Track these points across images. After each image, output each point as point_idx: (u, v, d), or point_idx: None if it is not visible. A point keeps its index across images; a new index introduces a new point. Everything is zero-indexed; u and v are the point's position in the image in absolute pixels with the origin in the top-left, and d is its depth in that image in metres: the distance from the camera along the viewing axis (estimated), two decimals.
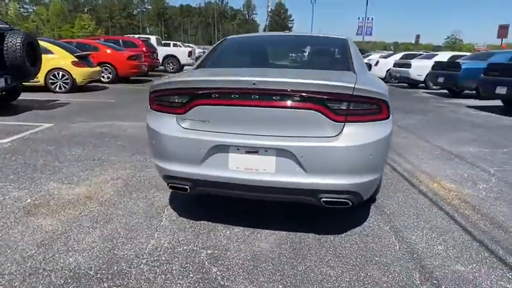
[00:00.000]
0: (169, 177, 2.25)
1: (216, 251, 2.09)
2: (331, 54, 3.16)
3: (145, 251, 2.06)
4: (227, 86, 2.05)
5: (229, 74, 2.28)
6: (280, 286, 1.80)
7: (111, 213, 2.53)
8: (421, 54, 14.14)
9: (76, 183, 3.08)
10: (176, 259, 2.00)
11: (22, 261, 1.93)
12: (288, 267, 1.96)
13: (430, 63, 11.18)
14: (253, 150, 2.02)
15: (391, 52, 17.81)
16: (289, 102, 1.97)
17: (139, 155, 3.87)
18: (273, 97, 1.97)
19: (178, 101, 2.16)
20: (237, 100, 2.01)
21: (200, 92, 2.06)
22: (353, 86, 1.91)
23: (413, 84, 12.32)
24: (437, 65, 10.54)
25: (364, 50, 22.66)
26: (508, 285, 1.84)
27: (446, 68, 10.01)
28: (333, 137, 1.97)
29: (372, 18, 32.12)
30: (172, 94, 2.18)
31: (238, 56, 3.17)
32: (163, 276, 1.85)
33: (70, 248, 2.06)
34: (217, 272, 1.89)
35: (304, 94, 1.95)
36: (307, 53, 3.39)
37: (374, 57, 16.91)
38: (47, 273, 1.84)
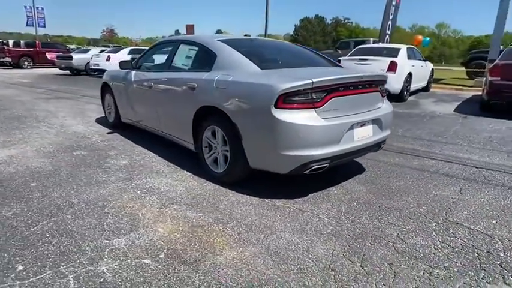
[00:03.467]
0: (311, 162, 2.64)
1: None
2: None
3: None
4: (348, 81, 2.83)
5: (348, 72, 3.11)
6: None
7: None
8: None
9: None
10: None
11: None
12: None
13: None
14: (363, 123, 2.94)
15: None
16: (370, 88, 3.07)
17: None
18: (366, 86, 3.00)
19: (316, 96, 2.66)
20: (351, 90, 2.86)
21: (332, 88, 2.72)
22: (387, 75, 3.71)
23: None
24: None
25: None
26: None
27: None
28: (382, 107, 3.21)
29: (43, 8, 29.19)
30: (313, 92, 2.63)
31: (280, 57, 3.72)
32: None
33: None
34: None
35: (373, 82, 3.11)
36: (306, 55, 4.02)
37: (94, 51, 16.94)
38: None
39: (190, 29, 19.82)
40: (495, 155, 4.26)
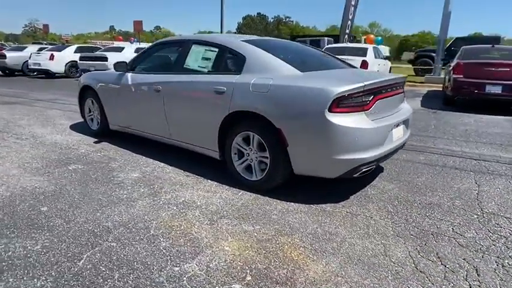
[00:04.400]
0: (362, 165, 2.64)
1: None
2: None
3: None
4: (389, 83, 2.91)
5: (387, 75, 3.22)
6: None
7: None
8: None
9: None
10: None
11: None
12: None
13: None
14: (398, 124, 3.01)
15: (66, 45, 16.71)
16: (399, 89, 3.18)
17: None
18: (397, 87, 3.12)
19: (366, 99, 2.66)
20: (389, 92, 2.93)
21: (378, 90, 2.75)
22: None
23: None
24: None
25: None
26: None
27: None
28: (406, 108, 3.35)
29: None
30: (364, 94, 2.63)
31: (307, 58, 3.60)
32: None
33: None
34: None
35: (401, 84, 3.21)
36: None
37: (32, 49, 15.18)
38: None
39: (138, 25, 18.79)
40: (481, 147, 4.67)
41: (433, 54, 13.33)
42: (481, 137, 5.24)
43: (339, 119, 2.55)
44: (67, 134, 5.02)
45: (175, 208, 2.75)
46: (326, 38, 15.19)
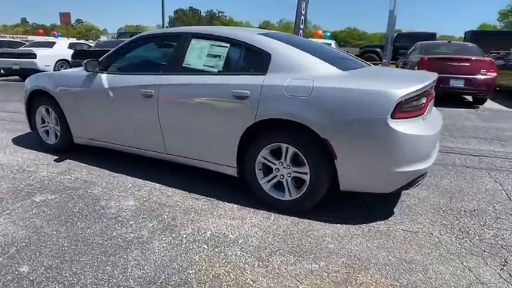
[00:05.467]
0: (420, 176, 2.36)
1: None
2: None
3: None
4: (434, 83, 2.63)
5: (430, 74, 2.78)
6: None
7: None
8: None
9: None
10: None
11: None
12: None
13: None
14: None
15: None
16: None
17: None
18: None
19: (422, 102, 2.37)
20: (432, 93, 2.63)
21: (428, 91, 2.44)
22: None
23: None
24: None
25: None
26: None
27: None
28: (435, 110, 3.16)
29: None
30: (422, 97, 2.34)
31: (333, 55, 3.11)
32: None
33: None
34: None
35: None
36: None
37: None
38: None
39: (65, 18, 16.65)
40: (471, 142, 4.77)
41: (378, 50, 13.94)
42: (463, 131, 5.39)
43: (402, 126, 2.22)
44: (12, 151, 3.97)
45: (206, 247, 2.17)
46: None
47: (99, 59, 3.32)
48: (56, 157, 3.74)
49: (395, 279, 1.90)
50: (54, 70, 10.96)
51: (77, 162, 3.60)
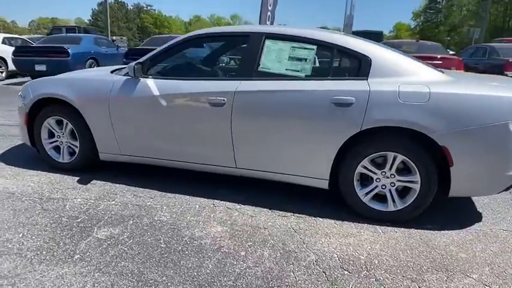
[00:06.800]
0: None
1: None
2: None
3: None
4: None
5: None
6: None
7: None
8: None
9: None
10: None
11: None
12: None
13: None
14: None
15: None
16: None
17: None
18: None
19: None
20: None
21: None
22: None
23: None
24: None
25: None
26: None
27: None
28: None
29: None
30: None
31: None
32: None
33: None
34: None
35: None
36: None
37: None
38: None
39: None
40: None
41: None
42: None
43: None
44: (14, 174, 3.19)
45: (348, 273, 1.96)
46: None
47: (141, 61, 2.81)
48: (75, 177, 3.11)
49: None
50: None
51: (106, 182, 3.03)
